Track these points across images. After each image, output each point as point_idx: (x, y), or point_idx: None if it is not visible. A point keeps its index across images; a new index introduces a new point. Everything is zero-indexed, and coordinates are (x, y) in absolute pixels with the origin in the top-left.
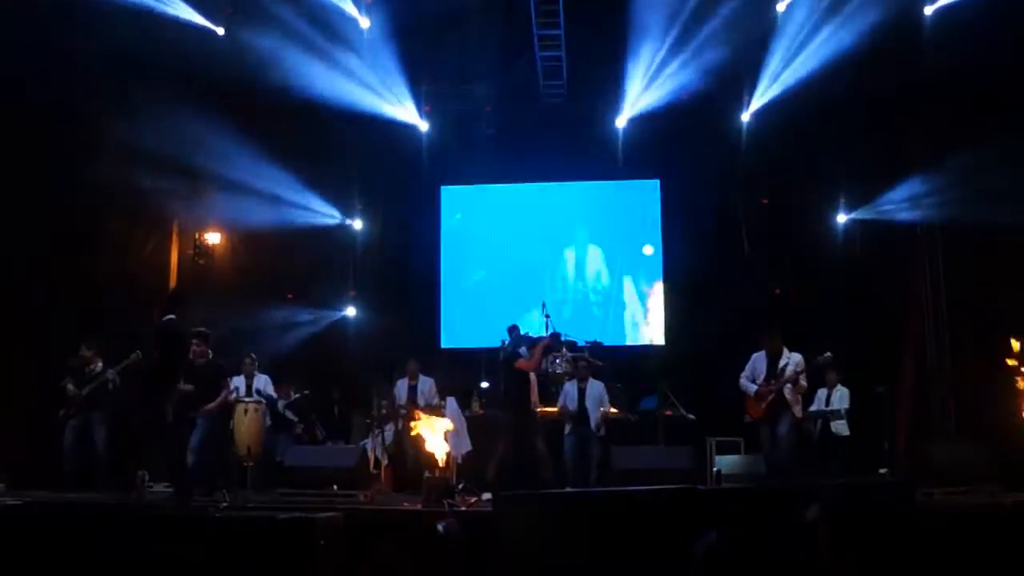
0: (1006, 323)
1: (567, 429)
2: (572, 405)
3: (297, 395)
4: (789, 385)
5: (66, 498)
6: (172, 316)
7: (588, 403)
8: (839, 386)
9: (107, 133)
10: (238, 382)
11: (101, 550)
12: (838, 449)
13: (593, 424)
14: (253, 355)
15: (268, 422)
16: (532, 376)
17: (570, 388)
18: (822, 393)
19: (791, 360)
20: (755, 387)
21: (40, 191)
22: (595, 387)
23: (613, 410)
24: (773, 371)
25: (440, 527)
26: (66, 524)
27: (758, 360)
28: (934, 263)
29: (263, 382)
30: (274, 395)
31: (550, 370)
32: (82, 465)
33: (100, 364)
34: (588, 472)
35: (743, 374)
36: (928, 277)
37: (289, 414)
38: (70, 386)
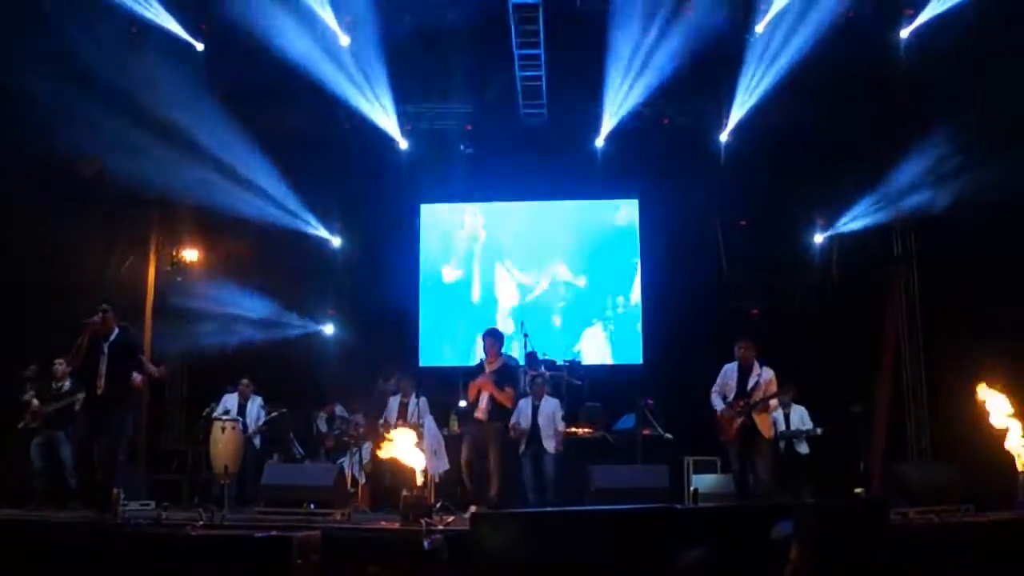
0: (981, 344)
1: (521, 449)
2: (525, 423)
3: (274, 413)
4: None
5: (40, 517)
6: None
7: (540, 420)
8: (794, 405)
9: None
10: (231, 403)
11: (77, 570)
12: (803, 468)
13: (552, 445)
14: (246, 379)
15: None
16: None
17: (524, 405)
18: (779, 413)
19: (762, 377)
20: (723, 405)
21: (19, 204)
22: (550, 404)
23: (575, 429)
24: (744, 387)
25: (426, 544)
26: (41, 543)
27: (729, 373)
28: (910, 284)
29: (257, 404)
30: (263, 417)
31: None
32: (52, 482)
33: (68, 383)
34: (544, 491)
35: (714, 387)
36: (904, 298)
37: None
38: (35, 401)
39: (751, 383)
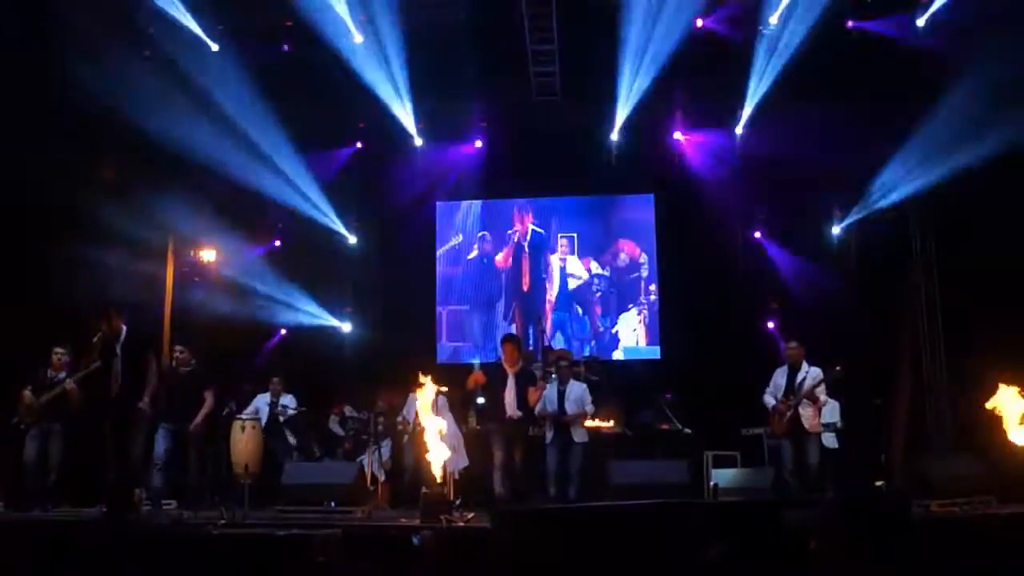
0: (1001, 336)
1: (548, 438)
2: (551, 408)
3: (294, 411)
4: (807, 401)
5: (60, 516)
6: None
7: (568, 406)
8: (829, 400)
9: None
10: (261, 402)
11: (97, 570)
12: (829, 462)
13: (581, 434)
14: (277, 378)
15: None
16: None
17: (549, 391)
18: (833, 403)
19: (809, 374)
20: (774, 402)
21: (37, 207)
22: (576, 389)
23: (593, 424)
24: (792, 385)
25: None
26: (61, 544)
27: (779, 374)
28: (930, 276)
29: (288, 400)
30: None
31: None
32: (42, 478)
33: (63, 373)
34: (568, 484)
35: (766, 389)
36: (924, 290)
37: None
38: (27, 392)
39: (799, 379)
